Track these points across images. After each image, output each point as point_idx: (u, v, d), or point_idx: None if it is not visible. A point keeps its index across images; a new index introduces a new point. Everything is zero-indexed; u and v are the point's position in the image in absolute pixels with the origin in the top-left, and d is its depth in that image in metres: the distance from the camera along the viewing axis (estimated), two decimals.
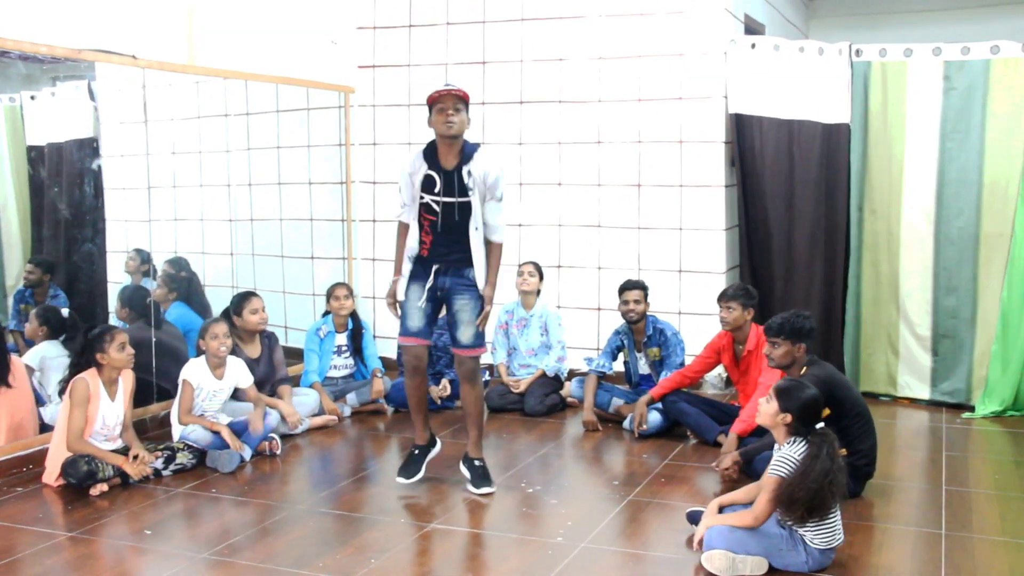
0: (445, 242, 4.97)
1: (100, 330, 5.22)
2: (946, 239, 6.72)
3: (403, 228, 5.12)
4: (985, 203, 6.62)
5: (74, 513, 4.77)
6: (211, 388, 5.69)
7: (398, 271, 5.12)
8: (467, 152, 4.92)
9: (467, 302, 4.99)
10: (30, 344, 5.83)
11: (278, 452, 5.74)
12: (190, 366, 5.68)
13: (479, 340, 5.04)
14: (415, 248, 5.04)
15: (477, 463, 5.13)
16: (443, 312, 5.14)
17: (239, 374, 5.80)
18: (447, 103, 4.82)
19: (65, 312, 5.78)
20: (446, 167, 4.90)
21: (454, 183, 4.88)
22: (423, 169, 4.94)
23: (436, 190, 4.90)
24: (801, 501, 3.90)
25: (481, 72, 7.72)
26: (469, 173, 4.88)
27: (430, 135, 7.73)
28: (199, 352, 5.75)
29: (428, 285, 5.00)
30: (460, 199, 4.89)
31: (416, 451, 5.22)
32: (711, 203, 7.20)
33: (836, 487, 3.93)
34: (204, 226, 7.03)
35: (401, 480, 5.10)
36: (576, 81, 7.46)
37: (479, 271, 4.98)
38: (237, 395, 5.89)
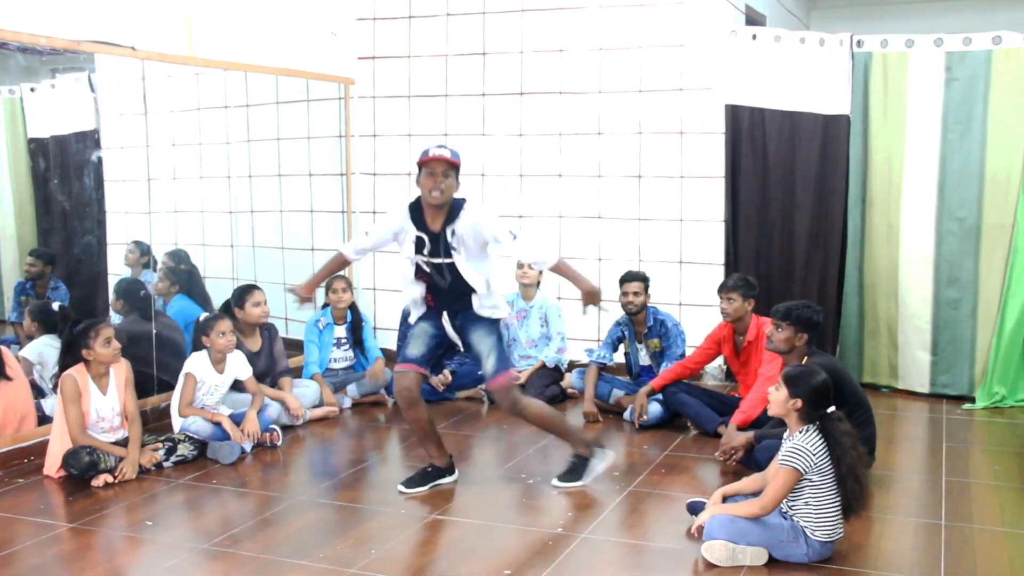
0: (448, 297, 4.89)
1: (85, 326, 5.19)
2: (947, 231, 6.71)
3: (339, 259, 5.11)
4: (987, 195, 6.61)
5: (75, 504, 4.77)
6: (212, 382, 5.70)
7: (310, 282, 5.16)
8: (452, 211, 4.77)
9: (482, 333, 4.90)
10: (30, 339, 5.84)
11: (279, 443, 5.75)
12: (193, 360, 5.68)
13: (503, 364, 4.90)
14: (419, 301, 4.96)
15: (571, 459, 5.10)
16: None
17: (239, 367, 5.81)
18: (436, 168, 4.69)
19: (56, 306, 5.77)
20: (433, 229, 4.78)
21: (439, 245, 4.78)
22: (412, 231, 4.82)
23: (425, 251, 4.81)
24: (859, 497, 3.95)
25: (481, 63, 7.71)
26: (453, 233, 4.75)
27: (429, 126, 7.86)
28: (198, 347, 5.74)
29: (447, 329, 4.96)
30: (446, 260, 4.79)
31: (430, 468, 5.08)
32: (712, 194, 7.20)
33: (862, 462, 3.99)
34: (204, 218, 7.03)
35: (401, 489, 4.96)
36: (576, 72, 7.45)
37: (486, 298, 4.90)
38: (237, 386, 5.89)
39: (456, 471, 5.17)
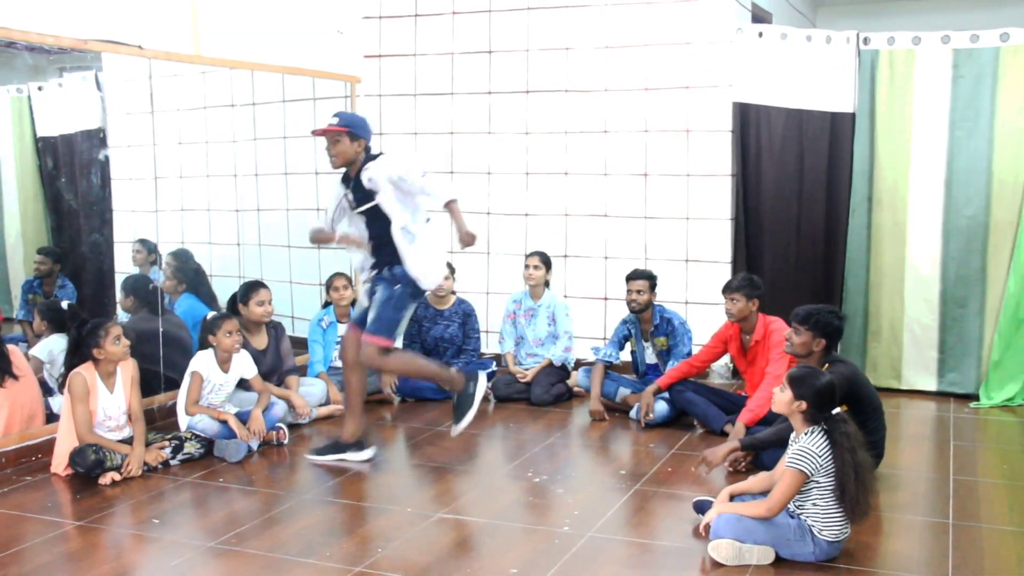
0: (377, 247, 5.28)
1: (94, 324, 5.21)
2: (955, 229, 6.68)
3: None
4: (995, 192, 6.59)
5: (82, 502, 4.78)
6: (218, 381, 5.70)
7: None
8: (365, 161, 5.25)
9: (383, 287, 5.24)
10: (39, 337, 5.85)
11: (285, 441, 5.76)
12: (199, 358, 5.68)
13: (386, 331, 5.19)
14: (365, 267, 5.41)
15: (454, 400, 5.38)
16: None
17: (244, 366, 5.81)
18: (328, 138, 5.24)
19: (64, 305, 5.78)
20: (351, 177, 5.27)
21: (361, 190, 5.20)
22: (341, 189, 5.35)
23: (351, 201, 5.27)
24: (861, 499, 3.93)
25: (487, 61, 7.71)
26: (370, 179, 5.17)
27: (435, 125, 7.87)
28: (204, 345, 5.74)
29: (367, 286, 5.38)
30: (368, 204, 5.20)
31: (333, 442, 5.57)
32: (718, 192, 7.19)
33: (866, 471, 3.97)
34: (211, 216, 7.03)
35: (310, 457, 5.49)
36: (583, 70, 7.45)
37: (407, 261, 5.20)
38: (244, 384, 5.90)
39: (368, 449, 5.50)
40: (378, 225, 5.23)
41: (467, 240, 5.13)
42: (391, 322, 5.20)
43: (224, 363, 5.72)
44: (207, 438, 5.49)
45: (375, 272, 5.31)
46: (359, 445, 5.46)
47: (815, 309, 5.02)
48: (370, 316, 5.22)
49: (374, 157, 5.27)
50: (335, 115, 5.30)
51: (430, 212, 5.31)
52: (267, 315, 6.19)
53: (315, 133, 5.34)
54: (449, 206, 5.18)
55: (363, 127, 5.30)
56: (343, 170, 5.35)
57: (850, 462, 3.91)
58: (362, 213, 5.25)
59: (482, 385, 5.38)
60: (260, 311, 6.15)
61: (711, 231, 7.23)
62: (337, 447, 5.47)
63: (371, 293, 5.32)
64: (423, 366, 5.53)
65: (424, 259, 5.23)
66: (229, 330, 5.67)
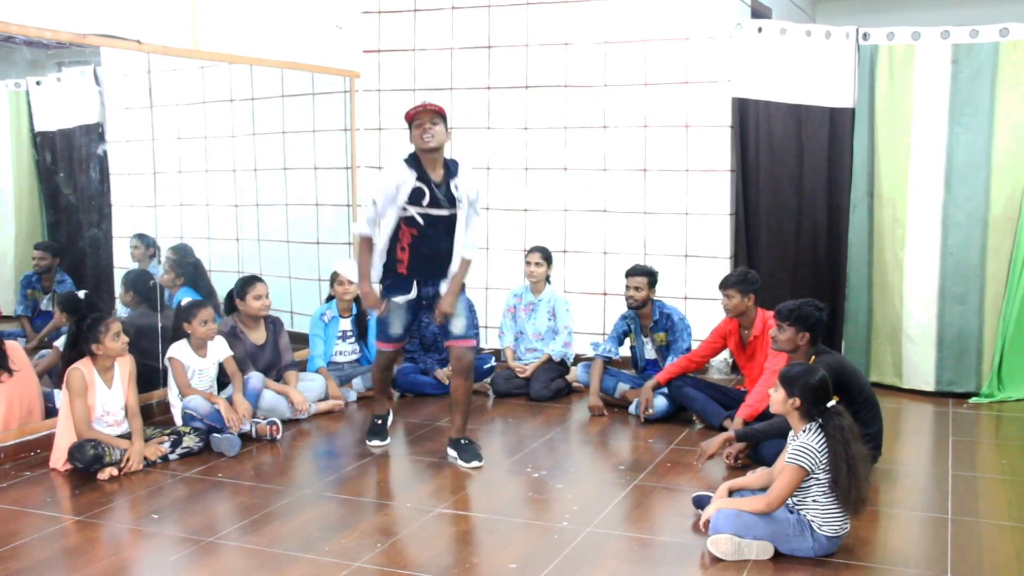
0: (426, 258, 5.09)
1: (94, 319, 5.22)
2: (954, 224, 6.67)
3: (367, 242, 5.20)
4: (993, 187, 6.58)
5: (81, 497, 4.78)
6: (197, 367, 5.73)
7: (366, 278, 5.22)
8: (451, 167, 5.07)
9: (463, 299, 5.24)
10: (38, 330, 5.85)
11: (278, 437, 5.76)
12: (174, 347, 5.72)
13: (472, 331, 5.27)
14: (390, 267, 5.18)
15: (464, 441, 5.34)
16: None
17: (219, 350, 5.85)
18: (424, 119, 4.96)
19: (82, 295, 5.79)
20: (434, 179, 5.00)
21: (442, 195, 5.00)
22: (412, 180, 4.99)
23: (424, 202, 4.99)
24: (853, 491, 3.93)
25: (487, 56, 7.70)
26: (457, 187, 5.03)
27: None
28: (178, 334, 5.77)
29: (412, 296, 5.21)
30: (450, 211, 5.03)
31: (379, 420, 5.68)
32: (717, 188, 7.19)
33: (860, 462, 3.97)
34: (209, 211, 7.03)
35: (376, 444, 5.60)
36: (582, 65, 7.44)
37: (448, 284, 5.17)
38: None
39: (391, 412, 5.82)
40: (439, 232, 5.07)
41: (442, 313, 5.14)
42: (474, 325, 5.36)
43: (199, 349, 5.75)
44: (205, 432, 5.50)
45: (432, 282, 5.19)
46: (469, 448, 5.36)
47: (795, 304, 5.03)
48: (461, 322, 5.20)
49: (456, 163, 5.13)
50: (425, 101, 5.09)
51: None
52: (264, 309, 6.18)
53: (417, 110, 4.96)
54: (464, 263, 5.18)
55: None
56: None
57: (843, 454, 3.92)
58: (433, 217, 5.03)
59: (474, 465, 5.24)
60: (257, 305, 6.14)
61: (710, 226, 7.22)
62: (380, 428, 5.68)
63: (417, 306, 5.25)
64: (471, 401, 5.48)
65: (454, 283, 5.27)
66: (204, 319, 5.70)
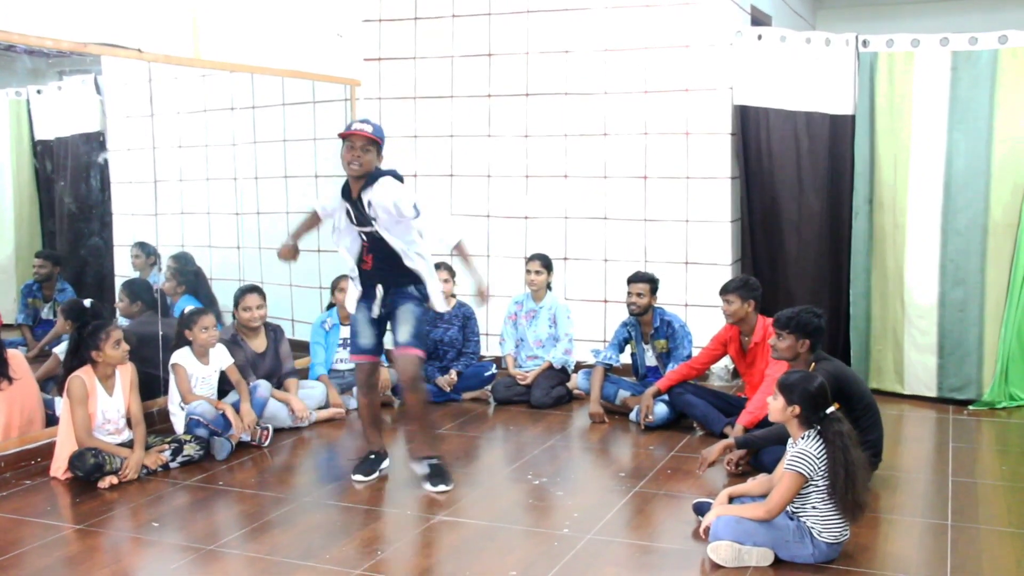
0: (383, 265, 5.04)
1: (95, 327, 5.23)
2: (954, 231, 6.67)
3: (312, 214, 5.32)
4: (993, 194, 6.58)
5: (81, 506, 4.78)
6: (200, 374, 5.73)
7: (293, 234, 5.34)
8: (369, 181, 4.93)
9: (408, 305, 5.05)
10: (39, 338, 5.85)
11: (266, 443, 5.76)
12: (177, 354, 5.73)
13: (416, 341, 5.01)
14: (353, 262, 5.13)
15: (433, 461, 5.08)
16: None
17: (222, 357, 5.85)
18: (355, 142, 4.88)
19: (87, 303, 5.80)
20: (353, 196, 4.99)
21: (362, 213, 4.96)
22: (343, 202, 5.04)
23: (353, 220, 5.02)
24: (851, 497, 3.93)
25: (487, 64, 7.71)
26: (369, 203, 4.92)
27: (435, 128, 7.88)
28: (180, 341, 5.77)
29: (376, 302, 5.09)
30: (366, 228, 4.98)
31: (372, 455, 5.27)
32: (717, 195, 7.19)
33: (859, 468, 3.96)
34: (210, 219, 7.04)
35: (359, 478, 5.13)
36: (582, 73, 7.45)
37: (429, 285, 5.09)
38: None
39: (389, 456, 5.35)
40: (380, 244, 5.00)
41: (484, 298, 5.12)
42: (422, 336, 5.09)
43: (202, 356, 5.75)
44: (205, 440, 5.50)
45: (394, 289, 5.07)
46: (384, 454, 5.31)
47: (793, 312, 5.04)
48: (405, 329, 4.99)
49: (375, 175, 4.97)
50: (364, 121, 4.97)
51: (434, 255, 5.19)
52: (255, 319, 6.16)
53: (343, 135, 4.92)
54: (459, 248, 5.06)
55: (383, 143, 5.02)
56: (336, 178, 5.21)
57: (841, 460, 3.92)
58: (367, 233, 5.02)
59: (441, 489, 4.99)
60: (247, 316, 6.15)
61: (711, 234, 7.23)
62: (372, 462, 5.26)
63: (382, 316, 5.12)
64: (429, 414, 5.33)
65: (436, 284, 5.16)
66: (205, 325, 5.71)
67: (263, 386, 5.89)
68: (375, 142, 4.90)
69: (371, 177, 4.93)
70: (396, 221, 4.92)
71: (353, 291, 5.19)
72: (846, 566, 4.01)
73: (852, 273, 6.94)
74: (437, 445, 5.21)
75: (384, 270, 5.05)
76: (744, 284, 5.90)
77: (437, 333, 6.96)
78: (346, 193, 5.02)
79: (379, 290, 5.08)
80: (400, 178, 5.02)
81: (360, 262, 5.09)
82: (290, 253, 5.31)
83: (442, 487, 4.98)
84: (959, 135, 6.62)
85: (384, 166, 4.92)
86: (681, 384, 6.12)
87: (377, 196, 4.89)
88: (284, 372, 6.29)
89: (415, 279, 5.08)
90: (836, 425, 3.99)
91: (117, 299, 6.15)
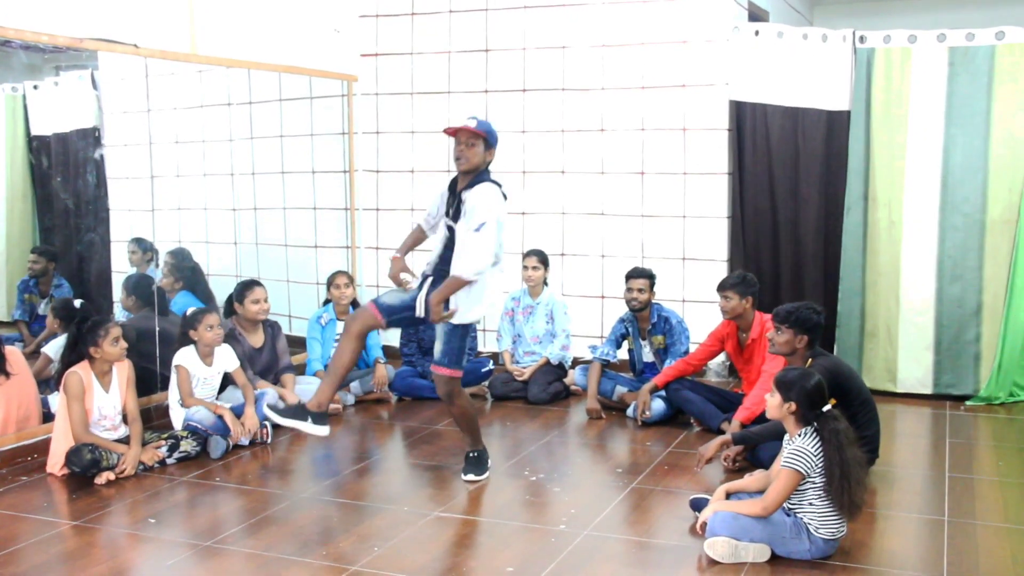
0: (444, 267, 4.90)
1: (94, 323, 5.22)
2: (951, 227, 6.67)
3: (417, 229, 5.26)
4: (990, 190, 6.58)
5: (78, 502, 4.78)
6: (202, 375, 5.72)
7: (400, 248, 5.19)
8: (474, 180, 4.85)
9: (448, 323, 4.91)
10: (35, 334, 5.84)
11: (268, 440, 5.76)
12: (181, 353, 5.71)
13: (447, 360, 4.94)
14: (436, 255, 5.01)
15: (471, 453, 5.16)
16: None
17: (226, 359, 5.83)
18: (461, 137, 4.85)
19: (77, 303, 5.79)
20: (458, 190, 4.91)
21: (457, 209, 4.88)
22: (446, 194, 5.02)
23: (450, 212, 4.94)
24: (847, 496, 3.93)
25: (484, 60, 7.70)
26: (463, 201, 4.83)
27: (432, 123, 7.87)
28: (184, 341, 5.75)
29: (421, 294, 4.94)
30: (453, 221, 4.90)
31: (475, 454, 5.18)
32: (715, 191, 7.20)
33: (855, 467, 3.96)
34: (207, 215, 7.03)
35: (269, 412, 5.03)
36: (579, 69, 7.45)
37: (470, 294, 4.87)
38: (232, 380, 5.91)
39: (327, 427, 5.02)
40: (451, 241, 4.91)
41: (434, 311, 4.79)
42: (459, 352, 4.97)
43: (206, 357, 5.73)
44: (202, 436, 5.50)
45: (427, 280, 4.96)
46: (322, 417, 5.00)
47: (793, 307, 5.04)
48: (439, 347, 4.95)
49: (482, 177, 4.87)
50: (472, 117, 4.90)
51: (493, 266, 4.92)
52: (263, 312, 6.19)
53: (449, 131, 4.87)
54: (452, 279, 4.81)
55: (495, 139, 4.93)
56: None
57: (837, 458, 3.92)
58: (449, 228, 4.92)
59: (484, 472, 5.14)
60: (256, 308, 6.15)
61: (708, 229, 7.23)
62: (301, 411, 5.01)
63: (411, 302, 4.98)
64: (473, 421, 5.17)
65: (473, 296, 4.86)
66: (210, 324, 5.68)
67: (270, 394, 5.87)
68: (480, 136, 4.83)
69: (478, 177, 4.86)
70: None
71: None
72: (843, 562, 4.01)
73: (843, 270, 6.92)
74: (477, 441, 5.17)
75: (444, 267, 4.90)
76: (742, 280, 5.91)
77: (434, 329, 6.94)
78: (452, 185, 4.99)
79: (427, 284, 4.94)
80: (502, 195, 4.89)
81: (440, 258, 4.96)
82: (400, 266, 5.10)
83: (472, 476, 5.08)
84: (956, 131, 6.62)
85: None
86: (678, 380, 6.12)
87: (470, 198, 4.80)
88: (281, 367, 6.29)
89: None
90: (833, 423, 3.99)
91: (119, 294, 6.15)
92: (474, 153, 4.82)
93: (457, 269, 4.77)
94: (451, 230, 4.91)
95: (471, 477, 5.09)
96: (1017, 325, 6.53)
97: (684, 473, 5.18)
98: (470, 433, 5.17)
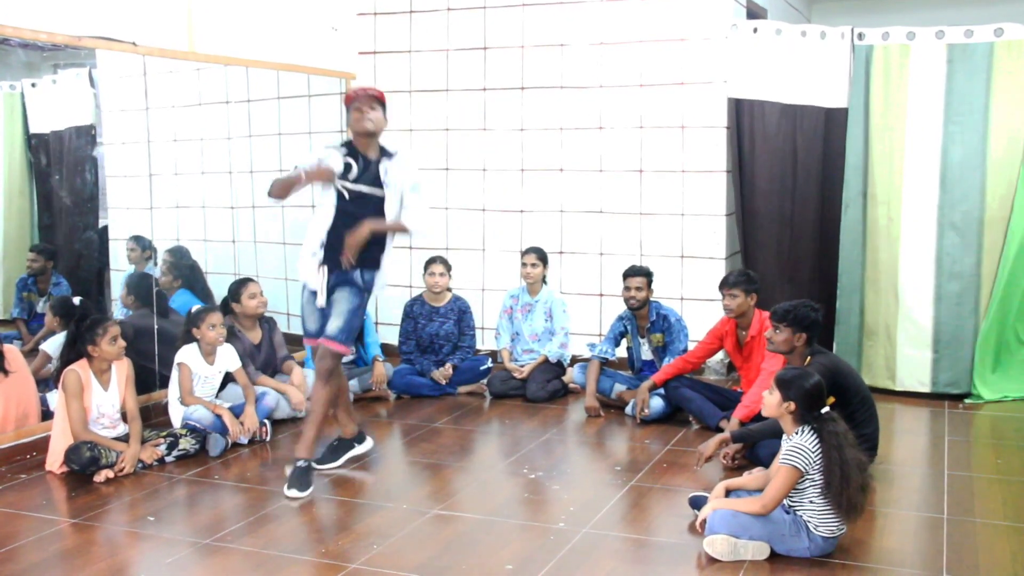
0: (344, 235, 4.86)
1: (92, 321, 5.21)
2: (950, 224, 6.66)
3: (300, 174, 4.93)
4: (989, 187, 6.57)
5: (77, 500, 4.78)
6: (203, 374, 5.72)
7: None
8: (388, 151, 5.03)
9: (345, 294, 4.94)
10: (34, 332, 5.83)
11: (267, 438, 5.76)
12: (184, 351, 5.70)
13: (343, 336, 4.91)
14: (326, 229, 4.94)
15: (300, 463, 4.93)
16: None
17: (228, 358, 5.83)
18: (362, 103, 4.93)
19: (76, 301, 5.78)
20: (367, 155, 4.97)
21: (369, 173, 4.94)
22: (341, 156, 4.91)
23: (352, 176, 4.92)
24: (845, 498, 3.93)
25: (482, 58, 7.70)
26: (387, 171, 4.96)
27: (430, 121, 7.87)
28: (187, 339, 5.75)
29: (325, 287, 4.96)
30: (378, 191, 4.94)
31: (336, 442, 5.34)
32: (713, 188, 7.19)
33: (854, 469, 3.96)
34: (206, 213, 7.03)
35: (315, 467, 5.07)
36: (578, 67, 7.44)
37: (384, 267, 5.05)
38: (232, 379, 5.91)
39: (368, 439, 5.42)
40: (367, 214, 4.88)
41: (351, 245, 4.82)
42: (353, 331, 4.98)
43: (208, 355, 5.73)
44: (201, 434, 5.49)
45: (345, 270, 4.93)
46: (360, 436, 5.40)
47: (791, 305, 5.04)
48: (336, 323, 4.88)
49: (388, 152, 5.01)
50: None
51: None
52: (262, 306, 6.19)
53: (355, 92, 4.95)
54: (399, 223, 4.98)
55: (386, 104, 5.09)
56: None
57: (836, 460, 3.92)
58: (355, 194, 4.88)
59: (364, 448, 5.36)
60: (254, 303, 6.15)
61: (706, 227, 7.23)
62: (340, 447, 5.31)
63: (330, 291, 4.96)
64: (326, 405, 5.02)
65: (388, 268, 5.09)
66: (213, 323, 5.68)
67: (271, 395, 5.88)
68: (381, 101, 4.99)
69: (389, 148, 5.02)
70: (399, 200, 5.00)
71: (310, 263, 4.96)
72: (842, 560, 4.01)
73: (841, 267, 6.91)
74: (314, 449, 4.99)
75: (341, 243, 4.87)
76: (747, 278, 5.91)
77: (433, 327, 6.95)
78: (351, 152, 4.96)
79: (324, 272, 4.93)
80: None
81: (328, 236, 4.92)
82: (291, 182, 4.88)
83: (294, 492, 4.79)
84: (955, 128, 6.61)
85: None
86: (677, 378, 6.12)
87: (397, 168, 4.98)
88: (281, 357, 6.31)
89: (375, 260, 4.98)
90: (831, 425, 3.99)
91: (120, 292, 6.14)
92: (378, 116, 4.95)
93: (408, 221, 4.99)
94: (357, 197, 4.90)
95: (294, 494, 4.79)
96: (1006, 321, 6.53)
97: (683, 471, 5.19)
98: (314, 429, 4.97)
